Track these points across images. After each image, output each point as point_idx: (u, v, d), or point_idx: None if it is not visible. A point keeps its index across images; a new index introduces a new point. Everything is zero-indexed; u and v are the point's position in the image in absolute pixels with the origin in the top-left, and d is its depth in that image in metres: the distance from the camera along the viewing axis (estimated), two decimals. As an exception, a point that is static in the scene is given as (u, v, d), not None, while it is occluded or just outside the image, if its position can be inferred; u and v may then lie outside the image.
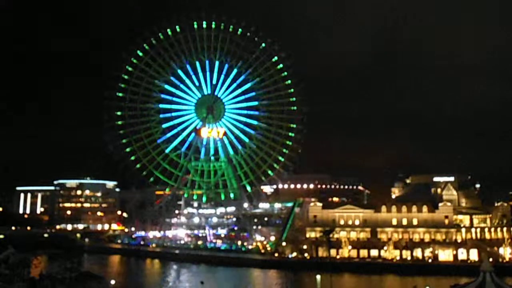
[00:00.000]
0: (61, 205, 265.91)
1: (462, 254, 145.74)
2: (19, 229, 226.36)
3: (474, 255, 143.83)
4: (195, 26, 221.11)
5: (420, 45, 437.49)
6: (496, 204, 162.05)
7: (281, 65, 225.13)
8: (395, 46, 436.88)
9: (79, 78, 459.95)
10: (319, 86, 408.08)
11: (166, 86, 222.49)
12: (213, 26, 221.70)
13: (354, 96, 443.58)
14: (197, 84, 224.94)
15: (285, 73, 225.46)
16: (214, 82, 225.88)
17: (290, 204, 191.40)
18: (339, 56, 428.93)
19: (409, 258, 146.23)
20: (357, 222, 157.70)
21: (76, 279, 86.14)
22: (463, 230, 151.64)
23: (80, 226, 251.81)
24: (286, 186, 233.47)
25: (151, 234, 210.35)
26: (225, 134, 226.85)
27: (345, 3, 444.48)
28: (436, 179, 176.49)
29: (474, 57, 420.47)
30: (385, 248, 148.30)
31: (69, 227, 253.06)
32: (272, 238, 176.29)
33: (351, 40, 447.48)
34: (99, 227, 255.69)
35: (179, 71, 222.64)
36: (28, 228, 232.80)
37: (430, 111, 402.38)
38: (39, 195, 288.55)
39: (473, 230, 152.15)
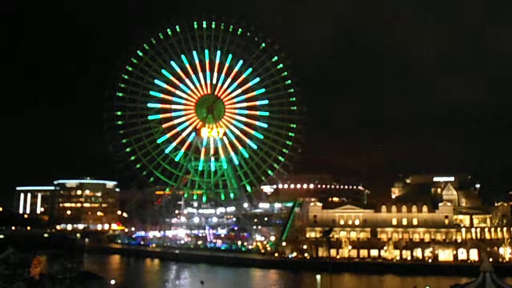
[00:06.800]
0: (61, 205, 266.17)
1: (462, 254, 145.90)
2: (19, 229, 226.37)
3: (474, 255, 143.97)
4: (195, 26, 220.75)
5: (419, 45, 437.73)
6: (496, 204, 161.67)
7: (281, 65, 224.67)
8: (394, 46, 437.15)
9: (78, 78, 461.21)
10: (319, 86, 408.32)
11: (166, 86, 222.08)
12: (213, 26, 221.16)
13: (354, 96, 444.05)
14: (197, 84, 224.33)
15: (285, 73, 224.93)
16: (214, 82, 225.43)
17: (290, 204, 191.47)
18: (338, 57, 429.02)
19: (409, 258, 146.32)
20: (357, 222, 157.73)
21: (76, 279, 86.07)
22: (463, 230, 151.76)
23: (80, 226, 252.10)
24: (286, 186, 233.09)
25: (151, 234, 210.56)
26: (225, 134, 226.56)
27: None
28: (436, 179, 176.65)
29: (474, 57, 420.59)
30: (385, 248, 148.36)
31: (69, 227, 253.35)
32: (272, 238, 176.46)
33: (350, 39, 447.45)
34: (99, 227, 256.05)
35: (179, 71, 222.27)
36: (28, 228, 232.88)
37: (430, 111, 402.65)
38: (39, 195, 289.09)
39: (473, 230, 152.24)
